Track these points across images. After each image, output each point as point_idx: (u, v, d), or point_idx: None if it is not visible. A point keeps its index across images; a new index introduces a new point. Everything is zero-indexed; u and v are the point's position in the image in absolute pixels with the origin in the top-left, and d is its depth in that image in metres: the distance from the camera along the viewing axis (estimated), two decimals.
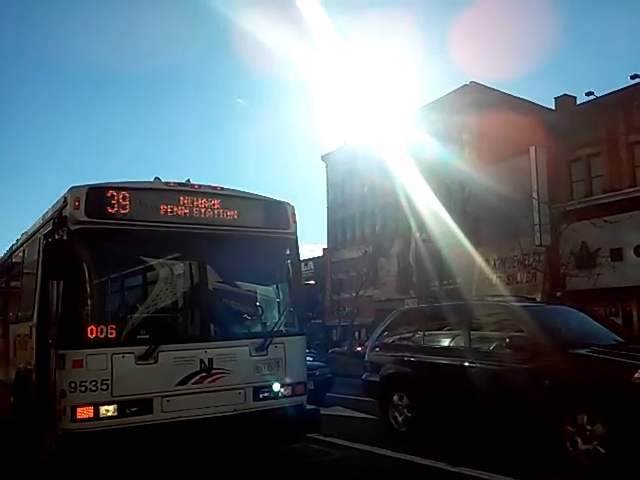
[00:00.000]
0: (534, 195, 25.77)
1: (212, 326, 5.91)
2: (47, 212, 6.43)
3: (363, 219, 39.78)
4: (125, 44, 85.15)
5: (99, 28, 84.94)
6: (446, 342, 8.26)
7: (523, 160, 26.54)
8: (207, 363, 5.72)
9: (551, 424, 6.30)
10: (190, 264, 6.06)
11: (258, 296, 6.60)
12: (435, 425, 8.10)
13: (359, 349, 30.77)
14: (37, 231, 6.73)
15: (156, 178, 6.12)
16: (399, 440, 7.95)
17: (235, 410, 5.85)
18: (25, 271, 7.34)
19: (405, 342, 8.86)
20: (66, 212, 5.54)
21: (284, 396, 6.17)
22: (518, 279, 28.66)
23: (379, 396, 8.97)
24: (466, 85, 32.06)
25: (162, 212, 5.89)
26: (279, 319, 6.36)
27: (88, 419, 5.21)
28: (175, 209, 5.95)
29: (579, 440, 6.03)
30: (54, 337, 5.53)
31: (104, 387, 5.26)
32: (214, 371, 5.75)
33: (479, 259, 29.10)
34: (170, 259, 6.03)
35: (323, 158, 45.11)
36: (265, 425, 5.95)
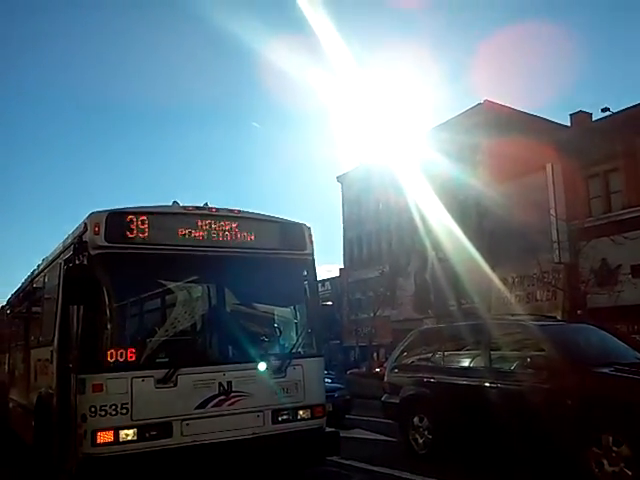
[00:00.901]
0: (552, 212, 25.59)
1: (230, 349, 5.93)
2: (67, 238, 6.53)
3: (379, 238, 39.73)
4: (140, 72, 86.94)
5: (119, 60, 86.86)
6: (466, 362, 8.14)
7: (539, 177, 26.41)
8: (226, 386, 5.72)
9: (575, 445, 6.17)
10: (208, 287, 6.11)
11: (276, 318, 6.61)
12: (456, 447, 7.97)
13: (378, 370, 30.51)
14: (57, 256, 6.83)
15: (174, 202, 6.20)
16: (419, 462, 7.83)
17: (254, 433, 5.82)
18: (46, 296, 7.43)
19: (424, 363, 8.76)
20: (86, 237, 5.62)
21: (303, 419, 6.13)
22: (538, 297, 28.32)
23: (399, 418, 8.86)
24: (479, 104, 32.11)
25: (180, 236, 5.95)
26: (297, 341, 6.35)
27: (108, 443, 5.23)
28: (193, 232, 6.01)
29: (605, 462, 5.89)
30: (74, 361, 5.58)
31: (124, 411, 5.27)
32: (233, 394, 5.74)
33: (497, 277, 28.85)
34: (188, 282, 6.07)
35: (339, 179, 45.31)
36: (284, 448, 5.91)
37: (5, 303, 12.74)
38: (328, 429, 6.39)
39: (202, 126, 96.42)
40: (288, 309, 6.72)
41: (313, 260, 6.71)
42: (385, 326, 33.97)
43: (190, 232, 6.00)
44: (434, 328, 10.73)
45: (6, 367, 10.94)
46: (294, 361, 6.12)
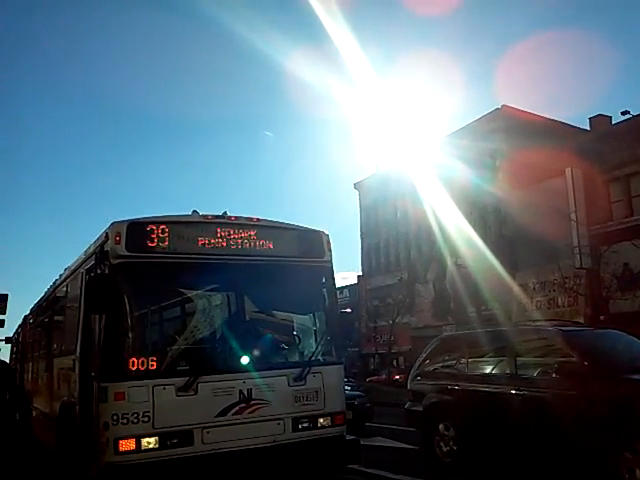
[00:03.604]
0: (572, 217, 25.32)
1: (250, 356, 5.92)
2: (89, 247, 6.60)
3: (397, 245, 39.61)
4: (162, 81, 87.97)
5: (142, 69, 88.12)
6: (491, 369, 8.01)
7: (559, 182, 26.14)
8: (246, 394, 5.71)
9: (607, 452, 6.07)
10: (228, 295, 6.12)
11: (295, 325, 6.59)
12: (482, 456, 7.84)
13: (397, 377, 30.33)
14: (79, 266, 6.90)
15: (194, 211, 6.23)
16: (444, 471, 7.74)
17: (275, 441, 5.80)
18: (68, 305, 7.51)
19: (448, 370, 8.65)
20: (107, 247, 5.67)
21: (323, 426, 6.10)
22: (559, 303, 27.96)
23: (423, 426, 8.77)
24: (497, 109, 31.92)
25: (200, 244, 5.98)
26: (316, 348, 6.32)
27: (130, 451, 5.24)
28: (213, 241, 6.04)
29: (637, 469, 5.80)
30: (96, 370, 5.62)
31: (145, 419, 5.29)
32: (253, 402, 5.73)
33: (517, 283, 28.55)
34: (208, 290, 6.08)
35: (356, 186, 45.29)
36: (305, 456, 5.88)
37: (28, 312, 12.91)
38: (349, 437, 6.34)
39: (221, 135, 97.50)
40: (307, 317, 6.70)
41: (331, 267, 6.69)
42: (404, 333, 33.81)
43: (210, 241, 6.02)
44: (457, 335, 10.60)
45: (29, 376, 11.07)
46: (314, 369, 6.10)
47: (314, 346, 6.40)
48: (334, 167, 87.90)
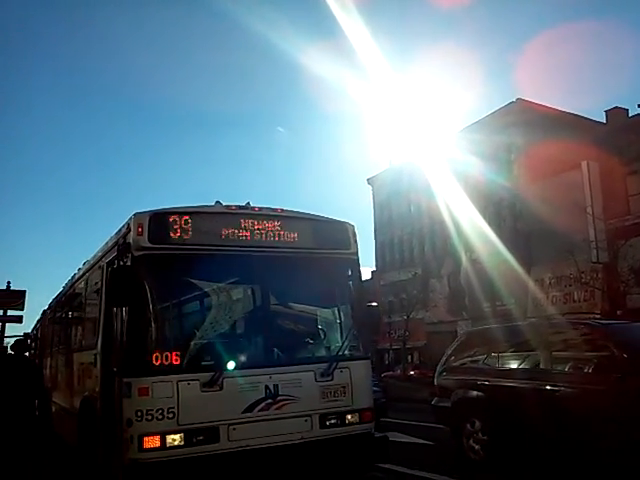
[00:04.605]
0: (588, 211, 24.92)
1: (276, 351, 5.71)
2: (109, 240, 6.41)
3: (411, 240, 39.28)
4: (178, 77, 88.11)
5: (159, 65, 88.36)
6: (523, 364, 7.66)
7: (575, 175, 25.72)
8: (272, 389, 5.50)
9: None
10: (253, 288, 5.91)
11: (321, 319, 6.37)
12: (513, 453, 7.52)
13: (412, 373, 30.06)
14: (99, 259, 6.72)
15: (217, 202, 6.02)
16: (475, 470, 7.48)
17: (302, 438, 5.58)
18: (88, 299, 7.34)
19: (477, 365, 8.32)
20: (129, 239, 5.47)
21: (351, 423, 5.87)
22: (575, 298, 27.55)
23: (451, 422, 8.44)
24: (512, 102, 31.45)
25: (223, 236, 5.77)
26: (343, 343, 6.08)
27: (155, 449, 5.05)
28: (236, 232, 5.82)
29: None
30: (119, 365, 5.43)
31: (170, 415, 5.10)
32: (280, 397, 5.52)
33: (533, 278, 28.18)
34: (232, 283, 5.88)
35: (369, 181, 44.96)
36: (333, 454, 5.67)
37: (47, 308, 12.80)
38: (377, 434, 6.12)
39: (234, 130, 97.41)
40: (333, 310, 6.46)
41: (358, 259, 6.46)
42: (419, 328, 33.53)
43: (233, 232, 5.81)
44: (486, 329, 10.23)
45: (49, 371, 10.95)
46: (341, 364, 5.87)
47: (341, 340, 6.17)
48: (347, 162, 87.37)
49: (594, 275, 25.94)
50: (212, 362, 5.42)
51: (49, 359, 10.99)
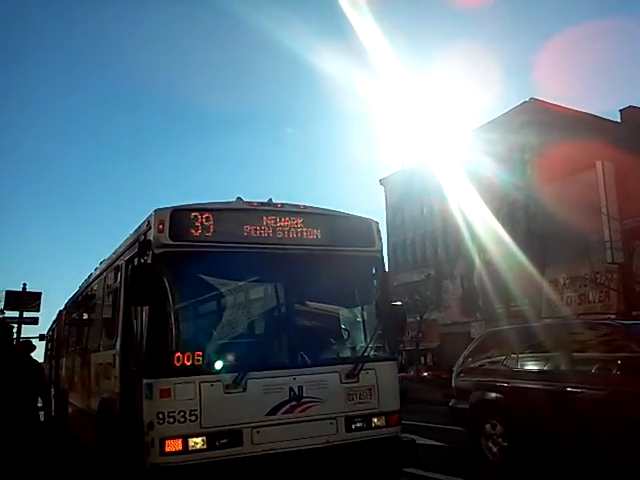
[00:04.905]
0: (603, 211, 24.57)
1: (300, 351, 5.48)
2: (129, 237, 6.23)
3: (424, 242, 38.95)
4: (189, 76, 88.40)
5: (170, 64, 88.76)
6: (544, 365, 7.41)
7: (589, 176, 25.38)
8: (297, 391, 5.28)
9: None
10: (275, 286, 5.69)
11: (345, 319, 6.14)
12: (534, 456, 7.28)
13: (425, 374, 29.77)
14: (118, 258, 6.54)
15: (238, 198, 5.82)
16: (493, 472, 7.26)
17: (328, 442, 5.35)
18: (106, 299, 7.15)
19: (495, 366, 8.09)
20: (150, 236, 5.27)
21: (378, 426, 5.63)
22: (590, 298, 27.17)
23: (469, 424, 8.23)
24: (526, 102, 31.06)
25: (245, 233, 5.56)
26: (369, 343, 5.84)
27: (177, 452, 4.85)
28: (258, 229, 5.61)
29: None
30: (139, 365, 5.23)
31: (193, 418, 4.89)
32: (304, 400, 5.30)
33: (547, 279, 27.80)
34: (255, 281, 5.68)
35: (381, 182, 44.67)
36: (359, 459, 5.43)
37: (62, 308, 12.67)
38: (404, 437, 5.87)
39: (244, 129, 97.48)
40: (358, 309, 6.24)
41: (382, 257, 6.24)
42: (432, 330, 33.19)
43: (255, 229, 5.59)
44: (504, 330, 10.02)
45: (65, 372, 10.80)
46: (367, 365, 5.64)
47: (366, 341, 5.93)
48: (359, 163, 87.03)
49: (609, 276, 25.61)
50: (235, 363, 5.23)
51: (65, 360, 10.85)
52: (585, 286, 27.42)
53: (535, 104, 30.53)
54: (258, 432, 5.10)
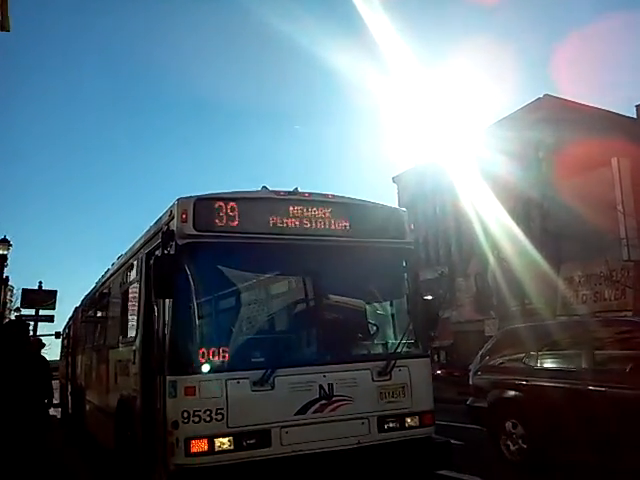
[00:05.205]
0: (619, 208, 24.07)
1: (330, 348, 5.16)
2: (149, 229, 5.93)
3: (437, 240, 38.51)
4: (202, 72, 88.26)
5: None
6: (565, 363, 7.17)
7: (605, 172, 24.89)
8: (327, 389, 4.95)
9: None
10: (303, 279, 5.35)
11: (376, 314, 5.81)
12: (554, 455, 6.98)
13: (439, 372, 29.35)
14: (138, 250, 6.24)
15: (263, 187, 5.49)
16: (514, 471, 7.00)
17: (359, 443, 5.02)
18: (124, 293, 6.86)
19: (514, 364, 7.84)
20: (173, 226, 4.97)
21: (411, 427, 5.29)
22: (605, 296, 26.69)
23: (488, 423, 7.97)
24: (539, 98, 30.52)
25: (271, 224, 5.23)
26: (401, 339, 5.48)
27: (203, 453, 4.54)
28: (285, 220, 5.28)
29: None
30: (163, 362, 4.92)
31: (219, 417, 4.59)
32: (335, 398, 4.97)
33: (562, 277, 27.33)
34: (281, 274, 5.38)
35: (394, 179, 44.24)
36: (392, 460, 5.09)
37: (79, 305, 12.44)
38: (438, 438, 5.53)
39: (257, 125, 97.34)
40: (389, 304, 5.90)
41: (413, 249, 5.89)
42: (445, 328, 32.67)
43: (282, 220, 5.27)
44: (524, 327, 9.77)
45: (81, 369, 10.56)
46: (399, 362, 5.30)
47: (398, 337, 5.58)
48: (372, 160, 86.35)
49: (625, 273, 25.14)
50: (262, 359, 4.91)
51: (82, 357, 10.60)
52: (600, 284, 26.92)
53: (549, 101, 30.00)
54: (287, 432, 4.79)
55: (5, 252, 19.56)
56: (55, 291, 24.58)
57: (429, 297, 5.98)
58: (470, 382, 8.85)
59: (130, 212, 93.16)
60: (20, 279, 60.34)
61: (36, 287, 24.22)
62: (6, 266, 20.42)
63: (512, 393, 7.49)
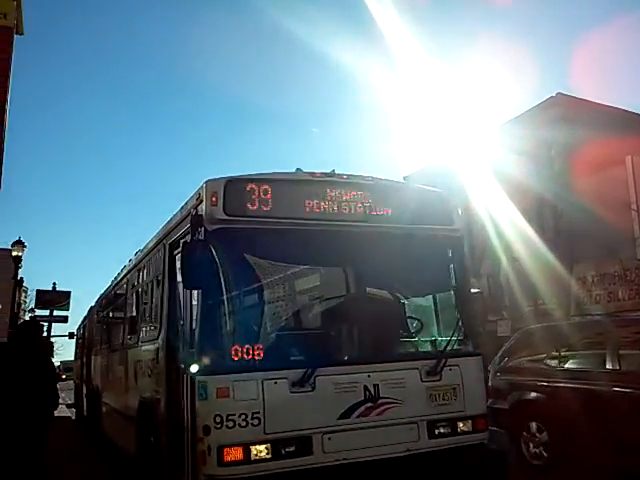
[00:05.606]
0: (633, 207, 23.39)
1: (375, 344, 4.58)
2: (173, 218, 5.36)
3: None
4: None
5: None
6: (588, 364, 6.78)
7: (619, 171, 24.19)
8: (372, 390, 4.37)
9: None
10: (344, 270, 4.78)
11: (422, 307, 5.21)
12: (577, 457, 6.53)
13: None
14: (160, 241, 5.67)
15: (297, 169, 4.92)
16: (536, 475, 6.62)
17: (408, 450, 4.43)
18: (145, 288, 6.29)
19: (535, 365, 7.43)
20: (201, 210, 4.40)
21: (463, 432, 4.69)
22: (619, 296, 25.93)
23: (508, 425, 7.48)
24: (552, 97, 29.75)
25: (308, 208, 4.66)
26: (452, 335, 4.87)
27: (237, 462, 3.97)
28: (322, 204, 4.70)
29: None
30: (191, 360, 4.34)
31: (255, 422, 4.01)
32: (381, 400, 4.39)
33: (575, 276, 26.62)
34: (319, 264, 4.81)
35: (405, 179, 43.52)
36: (443, 469, 4.50)
37: (94, 304, 11.91)
38: (492, 445, 4.93)
39: (271, 125, 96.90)
40: (436, 297, 5.28)
41: (462, 238, 5.29)
42: None
43: (319, 204, 4.68)
44: (544, 327, 9.37)
45: (97, 369, 10.01)
46: (450, 360, 4.70)
47: (446, 333, 4.97)
48: (382, 159, 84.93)
49: (639, 273, 24.39)
50: (302, 357, 4.34)
51: (98, 357, 10.04)
52: (614, 284, 26.18)
53: (562, 99, 29.19)
54: (330, 439, 4.21)
55: (20, 253, 19.14)
56: (69, 292, 24.37)
57: (478, 290, 5.37)
58: (489, 383, 8.39)
59: (146, 214, 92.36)
60: (34, 280, 59.71)
61: (50, 288, 23.94)
62: (21, 267, 20.01)
63: (534, 395, 7.15)
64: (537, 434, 6.90)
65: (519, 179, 28.72)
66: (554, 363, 7.11)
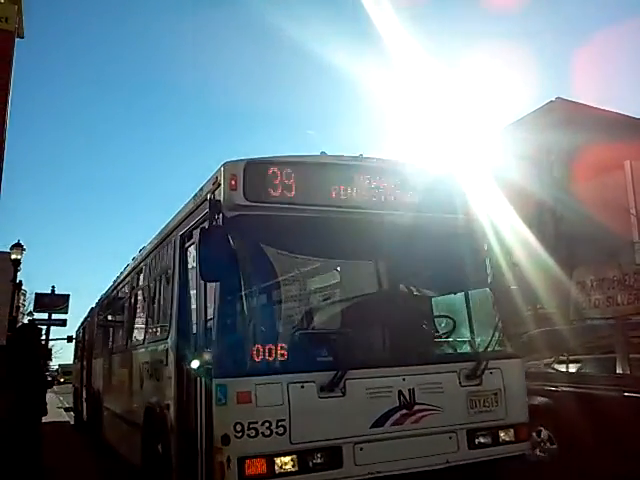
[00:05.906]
0: (632, 211, 23.09)
1: (409, 345, 4.08)
2: (184, 207, 4.86)
3: None
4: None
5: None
6: (597, 368, 6.51)
7: (618, 175, 23.90)
8: (407, 396, 3.87)
9: None
10: (375, 263, 4.27)
11: (461, 305, 4.71)
12: (587, 463, 6.11)
13: None
14: (170, 233, 5.16)
15: (322, 152, 4.43)
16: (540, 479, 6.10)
17: (447, 462, 3.93)
18: (153, 285, 5.77)
19: (542, 369, 7.03)
20: (219, 195, 3.90)
21: (505, 442, 4.19)
22: (618, 301, 25.49)
23: None
24: (552, 102, 29.44)
25: (334, 194, 4.16)
26: (492, 336, 4.39)
27: (260, 476, 3.46)
28: (349, 190, 4.21)
29: None
30: (205, 362, 3.84)
31: (280, 430, 3.50)
32: (417, 407, 3.89)
33: (575, 281, 26.28)
34: (348, 256, 4.33)
35: None
36: None
37: (94, 305, 11.37)
38: (533, 456, 4.44)
39: (265, 128, 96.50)
40: (474, 294, 4.80)
41: (500, 231, 4.82)
42: None
43: (345, 190, 4.20)
44: (551, 331, 9.00)
45: (98, 372, 9.45)
46: (491, 363, 4.22)
47: (487, 333, 4.46)
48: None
49: (638, 277, 24.02)
50: (331, 358, 3.82)
51: (99, 360, 9.48)
52: (613, 288, 25.72)
53: (561, 104, 28.91)
54: (361, 449, 3.70)
55: (19, 256, 18.66)
56: (68, 295, 23.96)
57: (514, 287, 4.89)
58: None
59: (146, 217, 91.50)
60: (33, 283, 58.91)
61: (49, 291, 23.49)
62: (19, 270, 19.49)
63: (541, 399, 6.73)
64: (545, 440, 6.54)
65: (518, 183, 28.41)
66: (562, 367, 6.83)
